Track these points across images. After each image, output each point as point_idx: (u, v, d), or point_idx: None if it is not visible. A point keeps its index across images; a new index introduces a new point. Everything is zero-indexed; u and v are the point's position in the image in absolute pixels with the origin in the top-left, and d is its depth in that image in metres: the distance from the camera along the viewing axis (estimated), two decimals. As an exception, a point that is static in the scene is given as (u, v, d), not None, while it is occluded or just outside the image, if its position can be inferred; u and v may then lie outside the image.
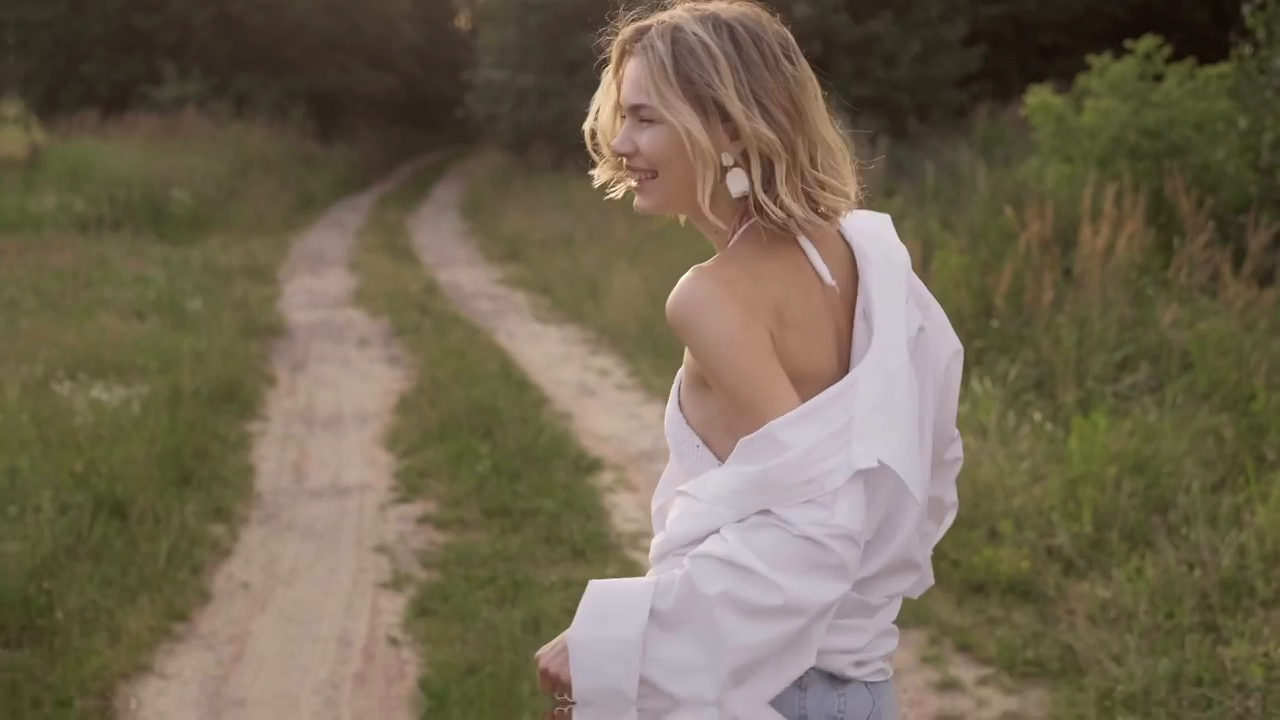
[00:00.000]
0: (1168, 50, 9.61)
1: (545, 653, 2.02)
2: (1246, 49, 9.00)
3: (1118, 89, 8.94)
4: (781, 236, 2.03)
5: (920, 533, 2.13)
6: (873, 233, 2.17)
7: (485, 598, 5.63)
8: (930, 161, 13.73)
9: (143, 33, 27.05)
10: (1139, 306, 7.67)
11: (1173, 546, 5.32)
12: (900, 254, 2.17)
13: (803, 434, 1.92)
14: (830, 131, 2.09)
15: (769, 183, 2.01)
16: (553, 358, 10.49)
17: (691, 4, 2.08)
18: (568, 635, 1.96)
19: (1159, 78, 9.72)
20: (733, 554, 1.90)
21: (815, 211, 2.03)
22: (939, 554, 5.63)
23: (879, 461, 1.94)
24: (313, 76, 27.95)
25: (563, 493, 6.85)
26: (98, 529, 5.97)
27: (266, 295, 13.44)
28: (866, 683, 2.10)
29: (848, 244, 2.14)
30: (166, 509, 6.37)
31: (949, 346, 2.21)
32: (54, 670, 4.83)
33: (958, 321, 8.19)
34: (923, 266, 8.78)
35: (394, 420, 8.63)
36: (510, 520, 6.58)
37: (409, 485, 7.24)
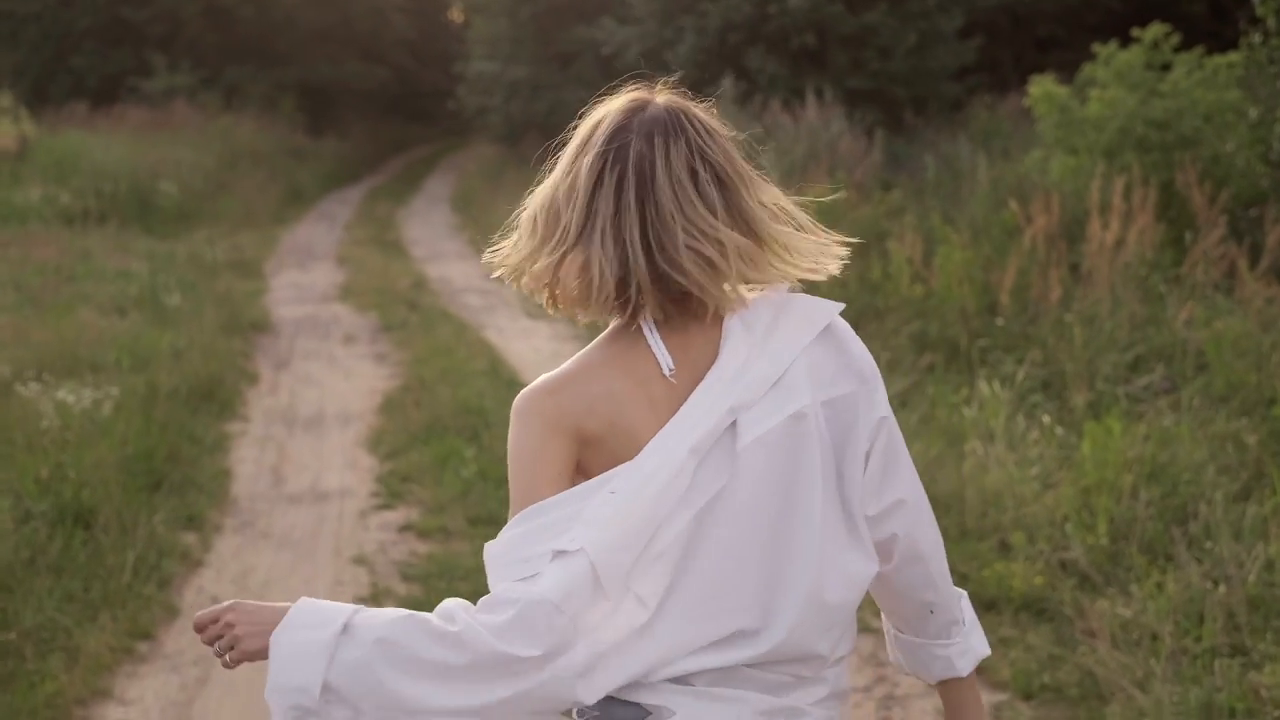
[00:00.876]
0: (1175, 39, 9.25)
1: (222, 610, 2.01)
2: (1256, 37, 8.65)
3: (1124, 78, 8.58)
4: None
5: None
6: (769, 321, 2.05)
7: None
8: (929, 154, 13.39)
9: (132, 25, 26.66)
10: (1150, 304, 7.32)
11: (1195, 560, 4.97)
12: (793, 340, 2.04)
13: (527, 521, 1.95)
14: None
15: None
16: (543, 355, 10.13)
17: None
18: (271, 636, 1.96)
19: (1166, 67, 9.37)
20: (438, 612, 1.94)
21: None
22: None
23: (580, 547, 1.91)
24: (303, 69, 27.55)
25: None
26: (59, 539, 5.61)
27: (252, 290, 13.07)
28: None
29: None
30: (134, 517, 6.00)
31: (870, 416, 2.07)
32: (3, 697, 4.47)
33: (960, 319, 7.85)
34: (923, 262, 8.43)
35: (378, 421, 8.28)
36: (495, 529, 6.20)
37: (391, 490, 6.89)
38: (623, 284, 1.96)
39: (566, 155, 2.05)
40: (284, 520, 6.51)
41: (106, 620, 5.11)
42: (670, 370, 2.00)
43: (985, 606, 5.13)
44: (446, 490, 6.73)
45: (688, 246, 1.94)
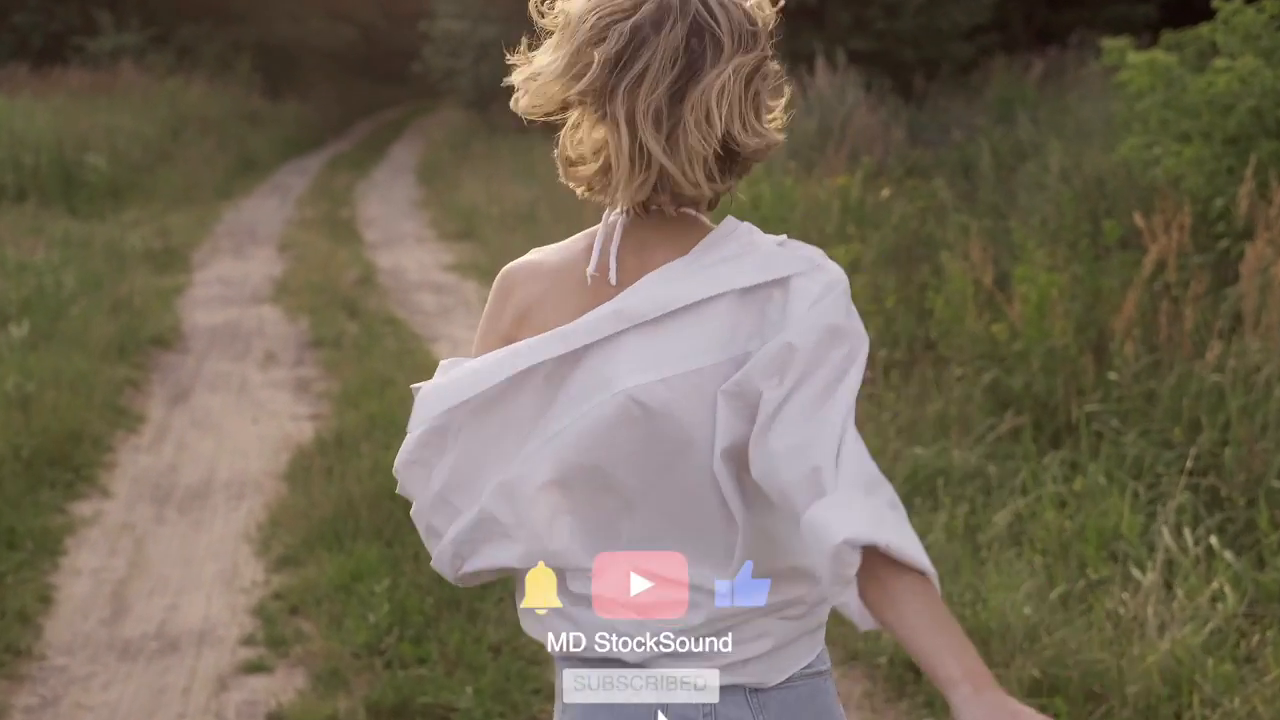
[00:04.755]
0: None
1: None
2: None
3: (1253, 44, 6.35)
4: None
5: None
6: (738, 249, 1.76)
7: None
8: (956, 128, 11.14)
9: (80, -21, 24.11)
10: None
11: None
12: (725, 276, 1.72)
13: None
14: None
15: None
16: (503, 384, 7.88)
17: None
18: None
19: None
20: None
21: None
22: None
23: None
24: (262, 27, 24.94)
25: (495, 684, 4.24)
26: None
27: (170, 287, 10.79)
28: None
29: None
30: None
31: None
32: None
33: (1049, 366, 5.63)
34: (997, 285, 6.21)
35: (279, 494, 6.06)
36: (411, 726, 4.02)
37: (272, 634, 4.67)
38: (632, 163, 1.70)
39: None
40: (105, 692, 4.30)
41: None
42: (591, 274, 1.77)
43: None
44: (347, 640, 4.52)
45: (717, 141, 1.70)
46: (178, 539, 5.60)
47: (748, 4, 1.73)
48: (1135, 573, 4.37)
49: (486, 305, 1.86)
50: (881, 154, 9.82)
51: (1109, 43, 7.89)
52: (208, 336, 9.28)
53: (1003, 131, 10.88)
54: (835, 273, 1.73)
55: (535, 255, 1.85)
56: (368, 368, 8.08)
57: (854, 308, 1.73)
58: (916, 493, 5.37)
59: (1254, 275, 5.08)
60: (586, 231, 1.83)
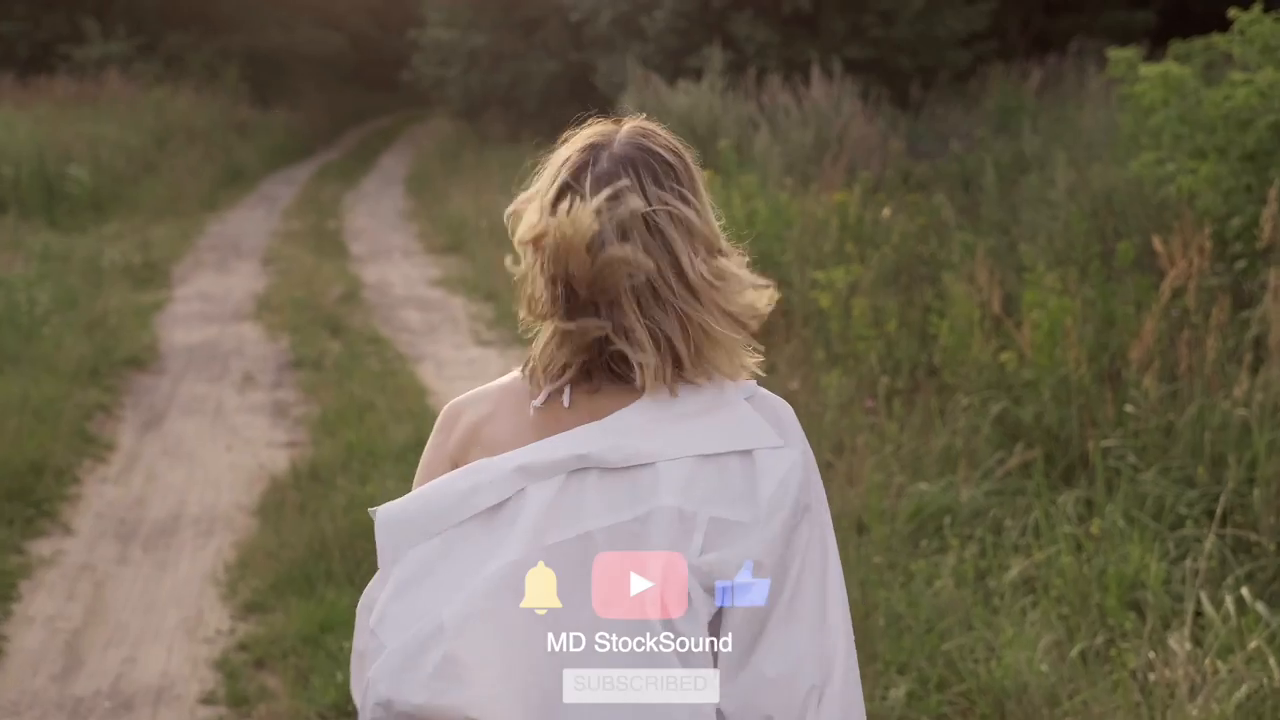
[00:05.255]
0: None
1: None
2: None
3: (1273, 55, 6.03)
4: None
5: None
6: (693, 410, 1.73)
7: None
8: (955, 138, 10.82)
9: (67, -13, 23.75)
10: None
11: None
12: (697, 439, 1.70)
13: None
14: None
15: None
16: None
17: None
18: None
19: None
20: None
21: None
22: None
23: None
24: (251, 35, 24.59)
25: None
26: None
27: (149, 304, 10.45)
28: None
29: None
30: None
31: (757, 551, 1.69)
32: None
33: (1061, 396, 5.31)
34: (1004, 309, 5.88)
35: (250, 531, 5.73)
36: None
37: (234, 691, 4.34)
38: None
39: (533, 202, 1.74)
40: (52, 761, 3.97)
41: None
42: (537, 406, 1.74)
43: None
44: (314, 700, 4.18)
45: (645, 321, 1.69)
46: (140, 581, 5.27)
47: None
48: (1160, 627, 4.05)
49: (431, 438, 1.84)
50: (879, 166, 9.50)
51: (1115, 53, 7.57)
52: (185, 357, 8.95)
53: (1003, 143, 10.56)
54: (799, 448, 1.74)
55: (485, 387, 1.85)
56: (347, 391, 7.75)
57: (817, 474, 1.76)
58: (922, 533, 5.05)
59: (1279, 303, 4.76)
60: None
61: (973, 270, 6.14)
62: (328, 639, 4.49)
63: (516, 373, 1.82)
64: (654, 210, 1.69)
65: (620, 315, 1.68)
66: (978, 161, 10.26)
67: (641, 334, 1.68)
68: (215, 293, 11.15)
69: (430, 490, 1.72)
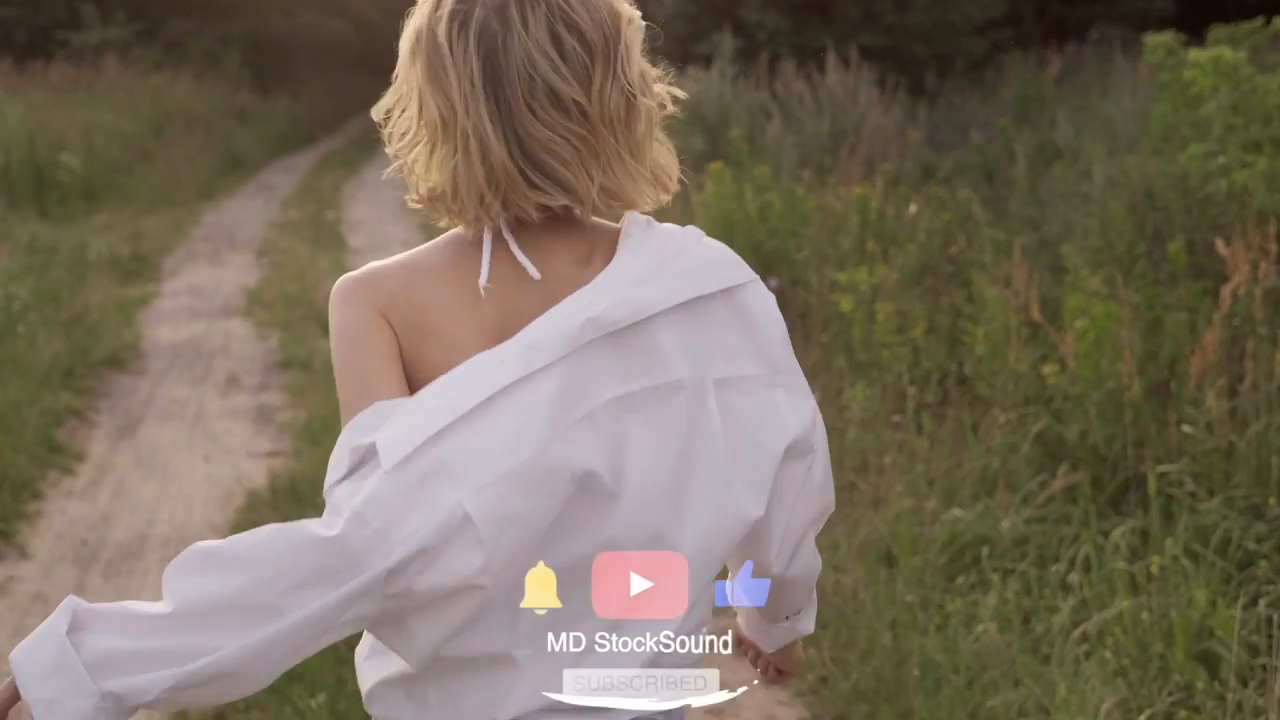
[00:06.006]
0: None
1: None
2: None
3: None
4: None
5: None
6: (674, 250, 1.61)
7: None
8: (974, 129, 10.29)
9: (66, -29, 23.20)
10: None
11: None
12: (690, 281, 1.59)
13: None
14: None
15: None
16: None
17: None
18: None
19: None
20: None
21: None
22: None
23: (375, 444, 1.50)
24: (253, 21, 24.00)
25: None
26: None
27: (135, 299, 9.95)
28: None
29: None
30: None
31: (791, 422, 1.65)
32: None
33: (1108, 413, 4.79)
34: (1044, 313, 5.36)
35: (222, 555, 5.21)
36: None
37: (186, 753, 3.83)
38: (488, 182, 1.54)
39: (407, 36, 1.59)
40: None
41: None
42: (535, 276, 1.59)
43: None
44: (276, 763, 3.68)
45: (549, 143, 1.53)
46: (97, 614, 4.75)
47: None
48: (1238, 684, 3.54)
49: (344, 322, 1.62)
50: (897, 158, 8.97)
51: (1151, 38, 7.05)
52: (168, 356, 8.44)
53: (1027, 134, 10.03)
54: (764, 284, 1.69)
55: (385, 262, 1.65)
56: (335, 396, 7.22)
57: None
58: (957, 566, 4.54)
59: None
60: (441, 241, 1.65)
61: (1008, 273, 5.62)
62: (294, 690, 3.97)
63: (430, 249, 1.64)
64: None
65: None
66: (998, 152, 9.74)
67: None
68: (205, 286, 10.64)
69: (431, 390, 1.53)
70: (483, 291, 1.58)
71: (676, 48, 14.36)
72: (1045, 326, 5.10)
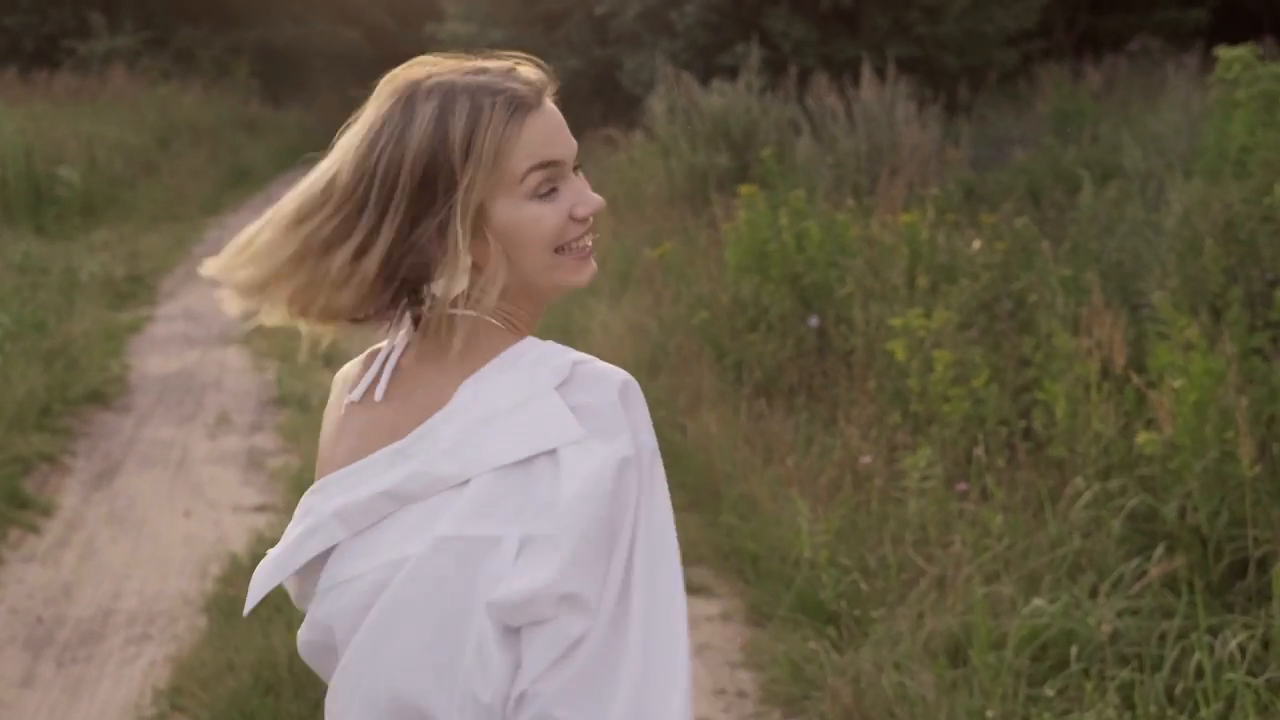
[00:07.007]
0: None
1: None
2: None
3: None
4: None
5: None
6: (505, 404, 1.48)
7: None
8: (1015, 145, 9.60)
9: (73, -21, 22.58)
10: None
11: None
12: (496, 450, 1.46)
13: None
14: None
15: None
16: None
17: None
18: None
19: None
20: None
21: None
22: None
23: None
24: (265, 30, 23.37)
25: None
26: None
27: (125, 325, 9.32)
28: None
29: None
30: None
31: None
32: None
33: (1211, 488, 4.10)
34: (1133, 365, 4.67)
35: (193, 638, 4.55)
36: None
37: None
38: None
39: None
40: None
41: None
42: (351, 399, 1.59)
43: None
44: None
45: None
46: (44, 713, 4.10)
47: None
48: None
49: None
50: (937, 178, 8.29)
51: (1224, 52, 6.35)
52: (156, 390, 7.79)
53: (1072, 151, 9.34)
54: (620, 444, 1.42)
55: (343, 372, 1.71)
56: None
57: (656, 472, 1.45)
58: (1040, 668, 3.85)
59: None
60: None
61: (1079, 313, 4.94)
62: None
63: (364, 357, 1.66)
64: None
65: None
66: (1045, 171, 9.05)
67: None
68: (202, 310, 9.99)
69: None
70: (343, 408, 1.61)
71: (699, 58, 13.68)
72: (1136, 383, 4.41)
